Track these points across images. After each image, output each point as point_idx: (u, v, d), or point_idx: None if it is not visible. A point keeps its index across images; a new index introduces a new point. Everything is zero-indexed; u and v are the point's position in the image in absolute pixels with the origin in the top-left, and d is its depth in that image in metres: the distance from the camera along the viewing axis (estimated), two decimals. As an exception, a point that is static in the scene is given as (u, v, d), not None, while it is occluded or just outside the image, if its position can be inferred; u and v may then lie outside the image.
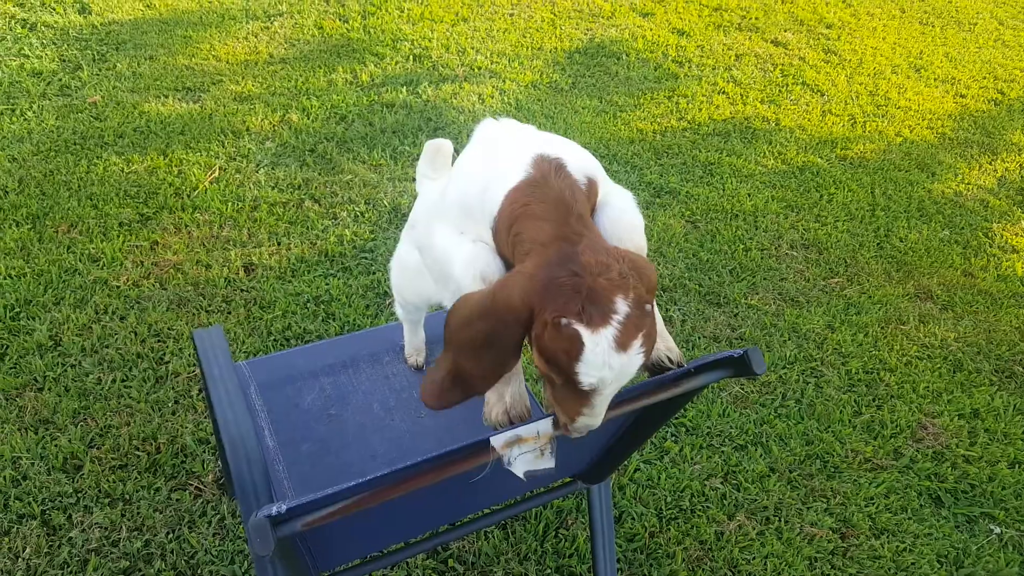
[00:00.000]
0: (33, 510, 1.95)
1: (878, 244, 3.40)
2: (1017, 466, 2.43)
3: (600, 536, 1.73)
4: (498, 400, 1.13)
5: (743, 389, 2.56)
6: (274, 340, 2.49)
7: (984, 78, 5.12)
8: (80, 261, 2.69)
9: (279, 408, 1.71)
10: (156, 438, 2.15)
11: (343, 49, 4.32)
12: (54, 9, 4.30)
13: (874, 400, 2.61)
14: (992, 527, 2.25)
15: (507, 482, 1.00)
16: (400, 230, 1.76)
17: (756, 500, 2.23)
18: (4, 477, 2.01)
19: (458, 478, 0.99)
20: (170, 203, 3.01)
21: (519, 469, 1.01)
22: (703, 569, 2.04)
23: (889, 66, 5.09)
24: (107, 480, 2.04)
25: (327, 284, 2.72)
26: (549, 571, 1.99)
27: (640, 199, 2.29)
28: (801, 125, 4.25)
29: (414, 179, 1.67)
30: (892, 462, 2.40)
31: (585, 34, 4.92)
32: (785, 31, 5.34)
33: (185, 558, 1.91)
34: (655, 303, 1.02)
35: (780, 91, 4.57)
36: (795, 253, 3.27)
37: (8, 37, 3.99)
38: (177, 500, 2.02)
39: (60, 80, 3.72)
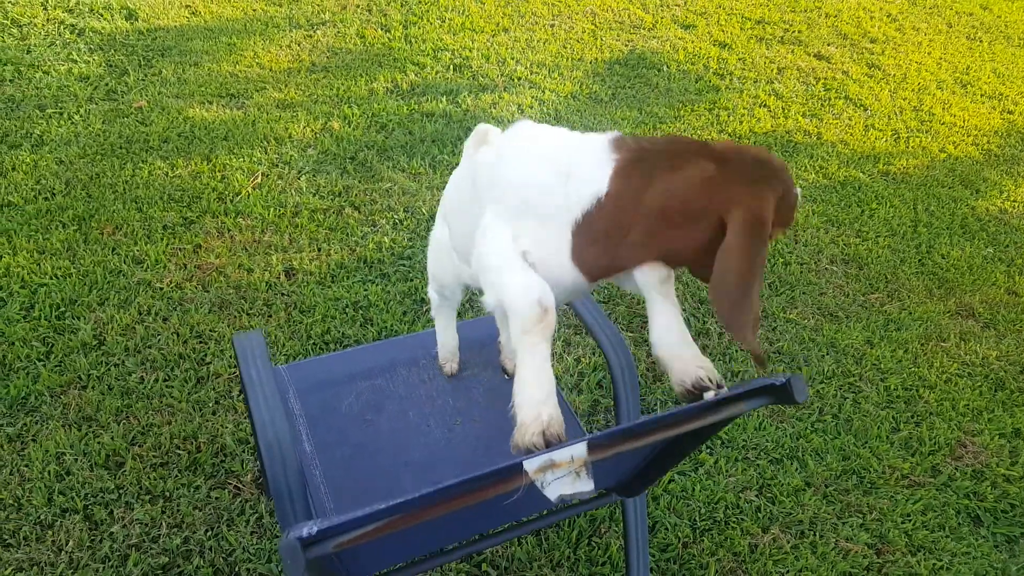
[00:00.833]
0: (76, 505, 1.99)
1: (920, 260, 3.36)
2: (1061, 489, 2.39)
3: (634, 546, 1.72)
4: (534, 420, 1.07)
5: (780, 404, 2.53)
6: (313, 344, 2.52)
7: (1032, 94, 5.04)
8: (124, 263, 2.75)
9: (316, 412, 1.73)
10: (196, 437, 2.19)
11: (384, 58, 4.36)
12: (102, 15, 4.40)
13: (912, 417, 2.57)
14: (1034, 550, 2.21)
15: (543, 496, 1.00)
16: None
17: (791, 514, 2.21)
18: (48, 472, 2.06)
19: (490, 500, 0.98)
20: (213, 207, 3.06)
21: (553, 493, 0.99)
22: (736, 584, 2.03)
23: (934, 81, 5.02)
24: (148, 477, 2.07)
25: (366, 290, 2.75)
26: (581, 581, 1.99)
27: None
28: (843, 139, 4.21)
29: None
30: (930, 479, 2.37)
31: (626, 45, 4.91)
32: (828, 45, 5.30)
33: (223, 555, 1.93)
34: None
35: (822, 105, 4.53)
36: (835, 268, 3.24)
37: (57, 42, 4.08)
38: (216, 498, 2.05)
39: (107, 85, 3.80)
